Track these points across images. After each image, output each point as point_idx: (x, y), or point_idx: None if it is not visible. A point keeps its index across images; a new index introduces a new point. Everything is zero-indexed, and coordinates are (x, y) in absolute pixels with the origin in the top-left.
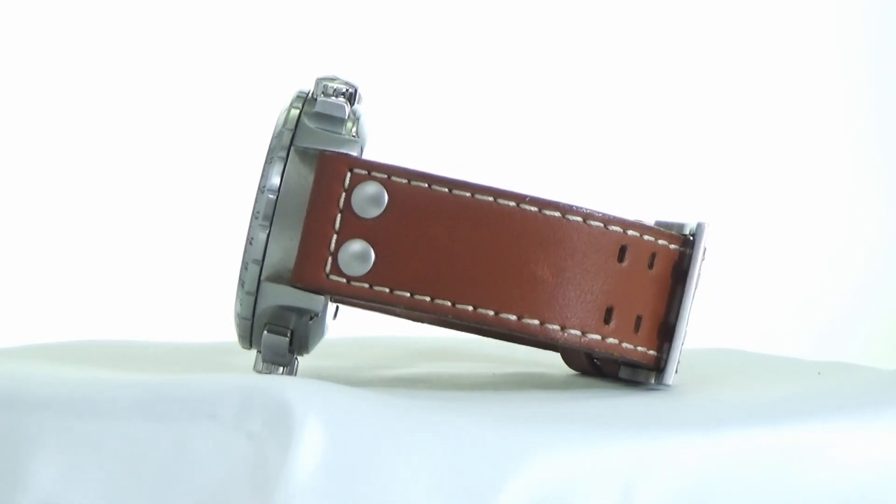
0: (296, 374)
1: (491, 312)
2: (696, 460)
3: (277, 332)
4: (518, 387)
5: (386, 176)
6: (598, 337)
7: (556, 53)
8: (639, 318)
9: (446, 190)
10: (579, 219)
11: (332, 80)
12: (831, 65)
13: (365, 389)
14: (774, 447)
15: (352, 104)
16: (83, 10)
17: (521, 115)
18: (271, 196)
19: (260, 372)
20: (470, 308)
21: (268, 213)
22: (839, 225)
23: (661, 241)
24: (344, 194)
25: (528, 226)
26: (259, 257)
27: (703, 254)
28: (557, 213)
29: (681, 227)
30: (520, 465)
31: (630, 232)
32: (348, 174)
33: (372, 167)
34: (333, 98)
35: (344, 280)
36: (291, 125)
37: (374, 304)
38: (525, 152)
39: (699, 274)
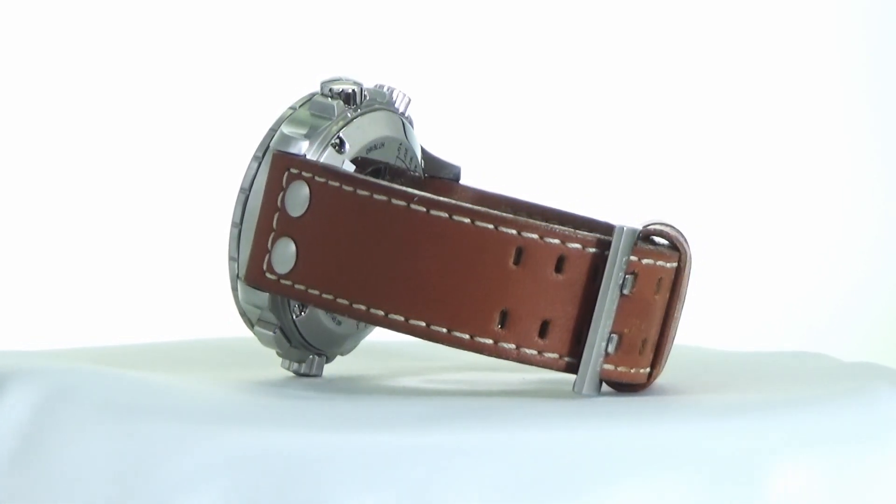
0: (316, 374)
1: (381, 313)
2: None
3: (264, 328)
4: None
5: (311, 175)
6: (490, 341)
7: (554, 54)
8: (545, 323)
9: (352, 189)
10: (466, 219)
11: (335, 80)
12: (833, 58)
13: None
14: None
15: (349, 104)
16: (86, 11)
17: (524, 116)
18: (241, 195)
19: (287, 370)
20: (363, 308)
21: (237, 213)
22: (838, 224)
23: (571, 245)
24: (281, 193)
25: (416, 226)
26: (235, 255)
27: (625, 259)
28: (444, 214)
29: (609, 229)
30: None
31: (527, 234)
32: (286, 173)
33: (304, 166)
34: (327, 98)
35: (275, 277)
36: (277, 125)
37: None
38: (530, 154)
39: (616, 279)
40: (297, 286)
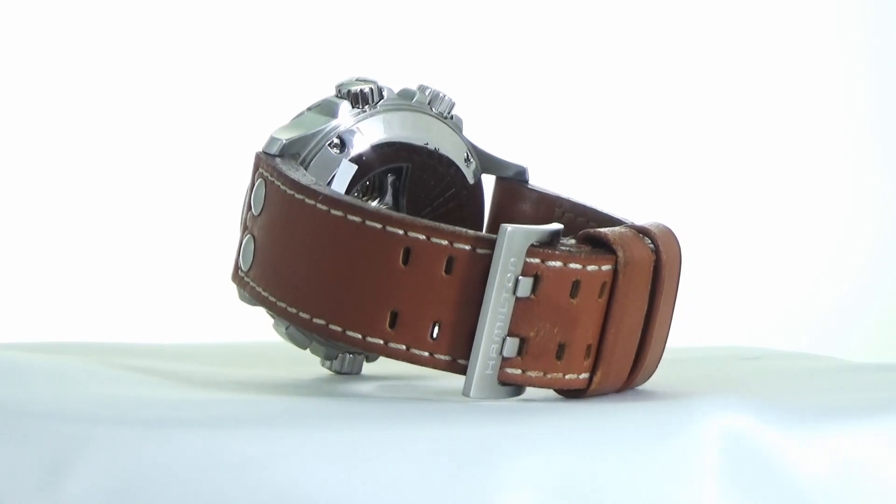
0: (350, 371)
1: (294, 310)
2: None
3: (275, 325)
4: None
5: (267, 175)
6: (380, 341)
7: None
8: (436, 325)
9: (286, 188)
10: (358, 219)
11: (351, 81)
12: (833, 59)
13: None
14: None
15: (360, 105)
16: (89, 11)
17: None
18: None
19: (328, 369)
20: (283, 305)
21: (243, 212)
22: (838, 224)
23: (458, 245)
24: (251, 191)
25: (318, 224)
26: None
27: (513, 261)
28: (340, 213)
29: (504, 230)
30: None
31: (413, 234)
32: (256, 172)
33: (265, 166)
34: (335, 99)
35: (242, 274)
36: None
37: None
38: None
39: (502, 280)
40: (251, 283)
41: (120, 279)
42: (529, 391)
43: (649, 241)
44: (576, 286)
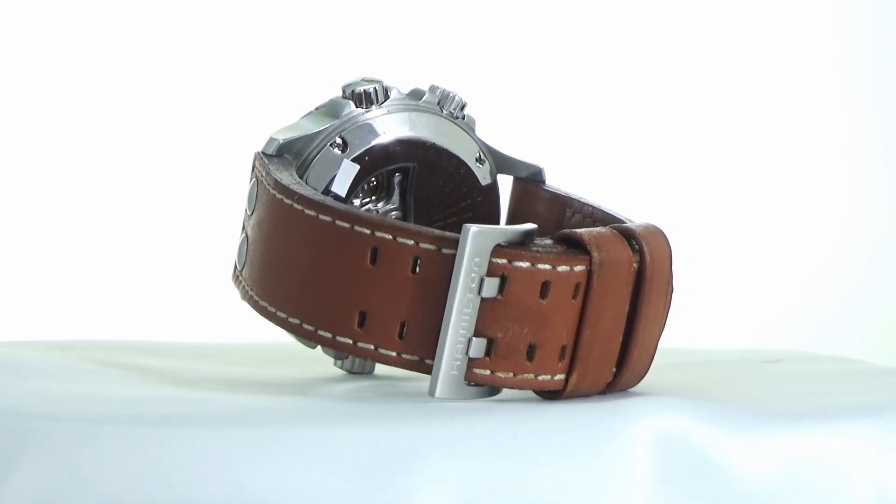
0: (362, 371)
1: (273, 309)
2: None
3: None
4: None
5: (259, 174)
6: (350, 341)
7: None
8: (403, 325)
9: (270, 188)
10: (329, 218)
11: (357, 81)
12: (833, 59)
13: None
14: None
15: (360, 105)
16: (92, 11)
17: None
18: None
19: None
20: (265, 304)
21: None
22: (838, 224)
23: (424, 245)
24: (248, 189)
25: (294, 224)
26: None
27: (477, 261)
28: (314, 213)
29: (466, 230)
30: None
31: (380, 234)
32: (252, 171)
33: (259, 165)
34: (340, 99)
35: (237, 272)
36: None
37: None
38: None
39: (465, 280)
40: (243, 282)
41: (130, 279)
42: (506, 392)
43: (634, 242)
44: (546, 287)
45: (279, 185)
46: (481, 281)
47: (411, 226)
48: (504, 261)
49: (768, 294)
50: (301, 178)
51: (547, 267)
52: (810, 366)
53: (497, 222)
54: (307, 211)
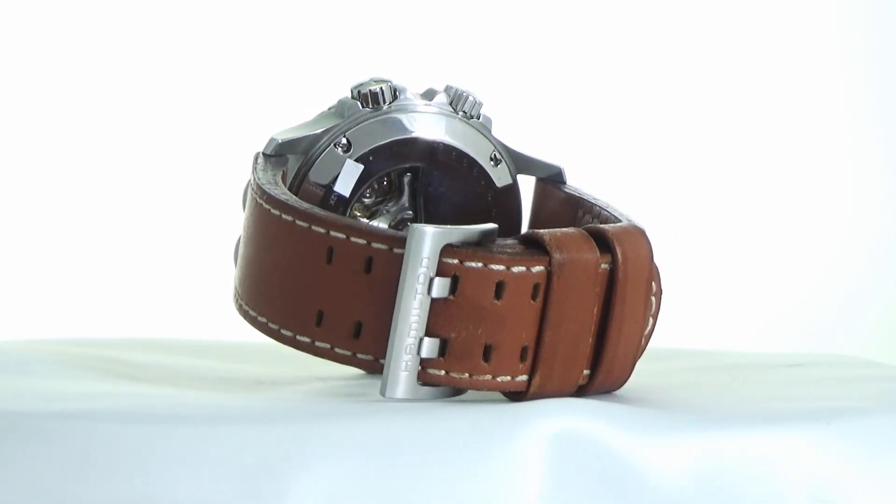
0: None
1: (247, 308)
2: None
3: None
4: None
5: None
6: (308, 339)
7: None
8: (359, 325)
9: (251, 189)
10: (290, 218)
11: (364, 83)
12: (833, 58)
13: None
14: None
15: (366, 105)
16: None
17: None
18: None
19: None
20: (241, 302)
21: None
22: (838, 224)
23: (376, 244)
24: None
25: (262, 223)
26: None
27: (425, 260)
28: (278, 212)
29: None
30: None
31: (335, 233)
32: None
33: (253, 167)
34: (348, 99)
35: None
36: None
37: None
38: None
39: (413, 280)
40: (234, 282)
41: (141, 278)
42: (471, 393)
43: (610, 244)
44: (500, 287)
45: (255, 185)
46: (431, 281)
47: (364, 225)
48: (455, 261)
49: (768, 294)
50: (305, 177)
51: (500, 267)
52: (830, 371)
53: (517, 223)
54: (273, 210)
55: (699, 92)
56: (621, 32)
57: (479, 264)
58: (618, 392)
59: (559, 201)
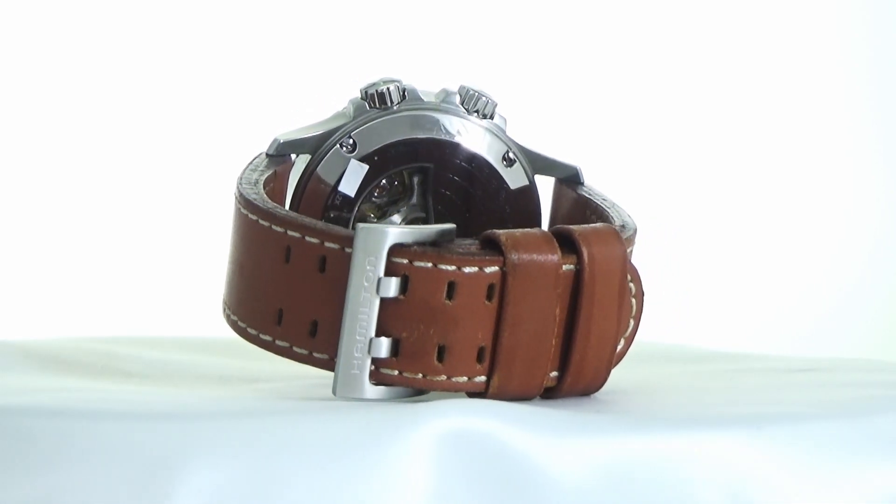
0: None
1: (224, 306)
2: None
3: None
4: None
5: None
6: (270, 338)
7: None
8: (315, 323)
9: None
10: (255, 217)
11: (374, 83)
12: (833, 58)
13: None
14: None
15: (373, 105)
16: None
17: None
18: None
19: None
20: (224, 303)
21: None
22: (838, 223)
23: (329, 244)
24: None
25: (234, 221)
26: None
27: (372, 259)
28: (246, 211)
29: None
30: None
31: (291, 232)
32: None
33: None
34: (357, 99)
35: None
36: None
37: None
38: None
39: (360, 279)
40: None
41: (140, 279)
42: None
43: (576, 245)
44: (452, 287)
45: (237, 184)
46: (379, 280)
47: (319, 224)
48: (405, 260)
49: (768, 294)
50: (311, 176)
51: (451, 268)
52: (839, 376)
53: (535, 223)
54: (242, 210)
55: (699, 92)
56: (629, 35)
57: (429, 264)
58: (597, 395)
59: (571, 202)
